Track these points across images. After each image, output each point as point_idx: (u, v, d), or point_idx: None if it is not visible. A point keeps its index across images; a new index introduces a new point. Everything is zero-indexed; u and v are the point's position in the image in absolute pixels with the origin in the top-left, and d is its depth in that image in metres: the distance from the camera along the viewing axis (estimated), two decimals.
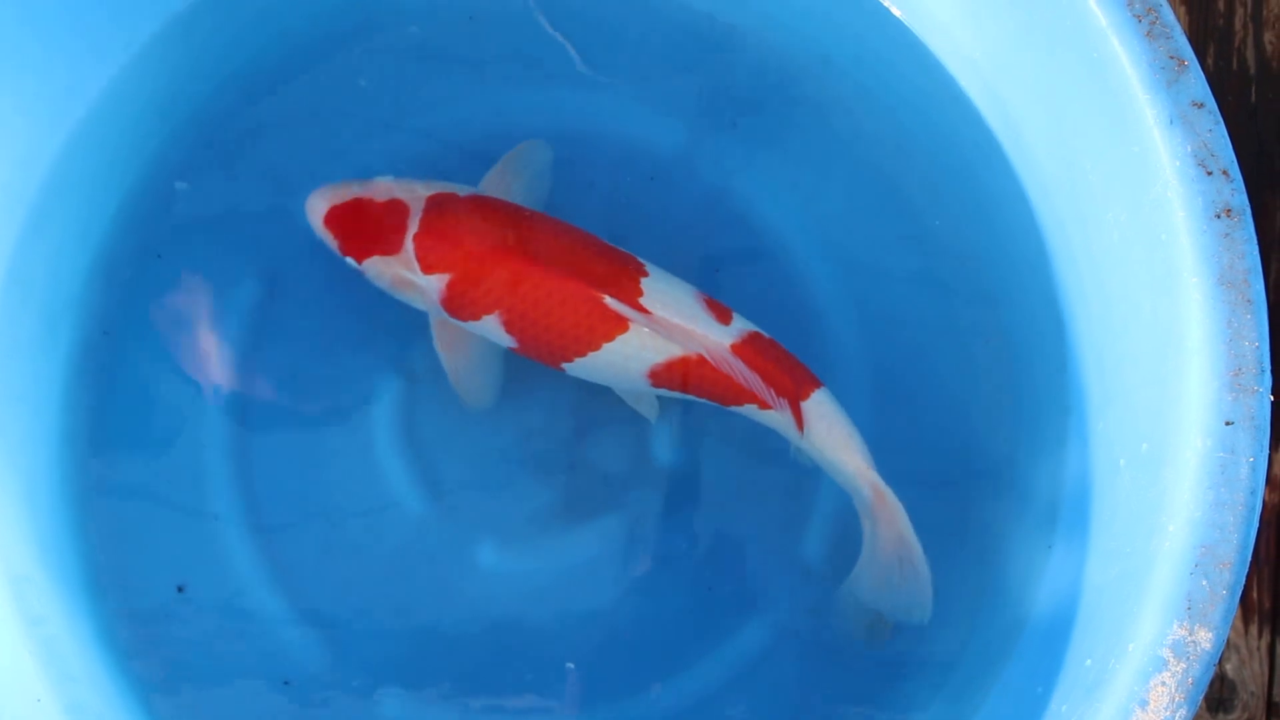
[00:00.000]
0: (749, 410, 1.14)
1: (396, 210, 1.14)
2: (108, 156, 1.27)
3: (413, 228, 1.13)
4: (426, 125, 1.30)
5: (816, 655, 1.22)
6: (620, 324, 1.10)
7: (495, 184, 1.21)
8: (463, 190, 1.17)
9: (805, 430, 1.12)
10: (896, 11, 1.23)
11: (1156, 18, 0.96)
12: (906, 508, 1.14)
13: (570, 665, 1.22)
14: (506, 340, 1.15)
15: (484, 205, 1.16)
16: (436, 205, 1.14)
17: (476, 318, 1.14)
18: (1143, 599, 0.94)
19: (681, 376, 1.13)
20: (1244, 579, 0.93)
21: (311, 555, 1.24)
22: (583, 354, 1.12)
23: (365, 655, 1.23)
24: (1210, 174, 0.95)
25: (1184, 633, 0.92)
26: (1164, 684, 0.91)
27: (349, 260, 1.16)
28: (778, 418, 1.13)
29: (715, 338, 1.11)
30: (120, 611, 1.24)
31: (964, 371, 1.25)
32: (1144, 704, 0.91)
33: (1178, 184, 0.95)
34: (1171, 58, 0.96)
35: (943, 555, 1.21)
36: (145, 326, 1.28)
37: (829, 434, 1.12)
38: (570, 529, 1.24)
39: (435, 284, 1.13)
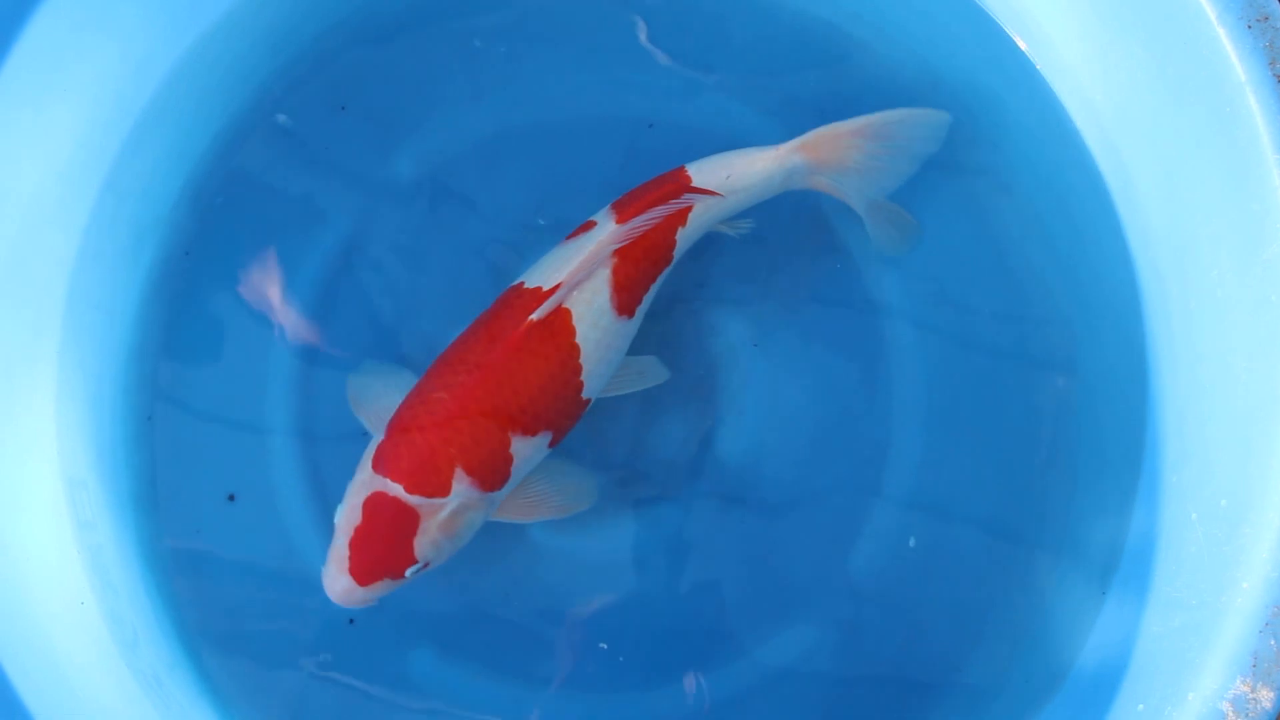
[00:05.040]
0: (683, 237, 1.15)
1: (376, 501, 1.08)
2: (216, 80, 1.28)
3: (398, 488, 1.07)
4: (531, 94, 1.31)
5: (850, 672, 1.22)
6: (564, 316, 1.10)
7: (371, 418, 1.18)
8: (376, 432, 1.13)
9: (721, 191, 1.14)
10: (1021, 44, 1.24)
11: None
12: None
13: (603, 645, 1.22)
14: (545, 443, 1.13)
15: (403, 416, 1.10)
16: (383, 460, 1.08)
17: (512, 460, 1.11)
18: (1207, 651, 0.95)
19: (628, 281, 1.12)
20: None
21: None
22: (581, 367, 1.11)
23: (403, 609, 1.23)
24: None
25: (1246, 689, 0.92)
26: None
27: (410, 571, 1.08)
28: (700, 214, 1.15)
29: (606, 236, 1.11)
30: (165, 528, 1.24)
31: (1032, 409, 1.25)
32: None
33: None
34: None
35: (991, 587, 1.22)
36: (227, 252, 1.28)
37: (728, 172, 1.15)
38: (623, 512, 1.25)
39: (465, 485, 1.09)
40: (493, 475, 1.10)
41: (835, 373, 1.26)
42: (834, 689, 1.22)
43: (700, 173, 1.15)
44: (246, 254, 1.28)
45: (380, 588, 1.08)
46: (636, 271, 1.13)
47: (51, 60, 1.12)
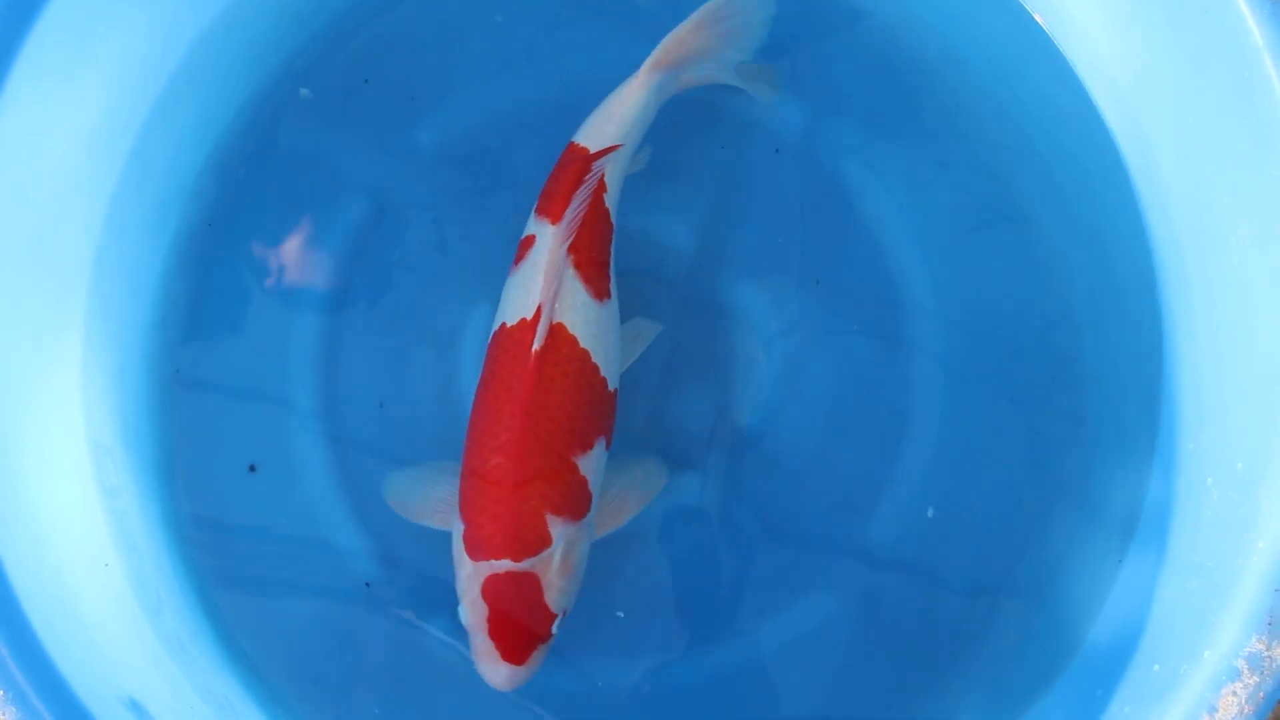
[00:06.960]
0: (612, 201, 1.17)
1: (494, 585, 1.08)
2: (241, 52, 1.29)
3: (506, 563, 1.08)
4: (554, 69, 1.32)
5: (868, 640, 1.23)
6: (560, 331, 1.11)
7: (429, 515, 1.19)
8: (454, 526, 1.13)
9: (618, 143, 1.17)
10: (1039, 17, 1.25)
11: None
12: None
13: (620, 614, 1.23)
14: (602, 449, 1.14)
15: (471, 498, 1.11)
16: (479, 546, 1.09)
17: (586, 481, 1.12)
18: (1222, 611, 0.96)
19: (593, 270, 1.14)
20: None
21: (381, 472, 1.24)
22: (598, 365, 1.13)
23: (421, 576, 1.24)
24: None
25: (1261, 647, 0.93)
26: (1235, 694, 0.92)
27: (554, 627, 1.09)
28: (613, 173, 1.17)
29: (553, 241, 1.12)
30: (188, 496, 1.26)
31: (1050, 379, 1.26)
32: (1213, 710, 0.93)
33: None
34: None
35: (1009, 554, 1.23)
36: (250, 223, 1.30)
37: (611, 121, 1.18)
38: None
39: (561, 525, 1.09)
40: (578, 503, 1.11)
41: (854, 343, 1.27)
42: (852, 657, 1.23)
43: (590, 137, 1.17)
44: (270, 226, 1.29)
45: (537, 657, 1.09)
46: (594, 256, 1.14)
47: (79, 29, 1.13)
